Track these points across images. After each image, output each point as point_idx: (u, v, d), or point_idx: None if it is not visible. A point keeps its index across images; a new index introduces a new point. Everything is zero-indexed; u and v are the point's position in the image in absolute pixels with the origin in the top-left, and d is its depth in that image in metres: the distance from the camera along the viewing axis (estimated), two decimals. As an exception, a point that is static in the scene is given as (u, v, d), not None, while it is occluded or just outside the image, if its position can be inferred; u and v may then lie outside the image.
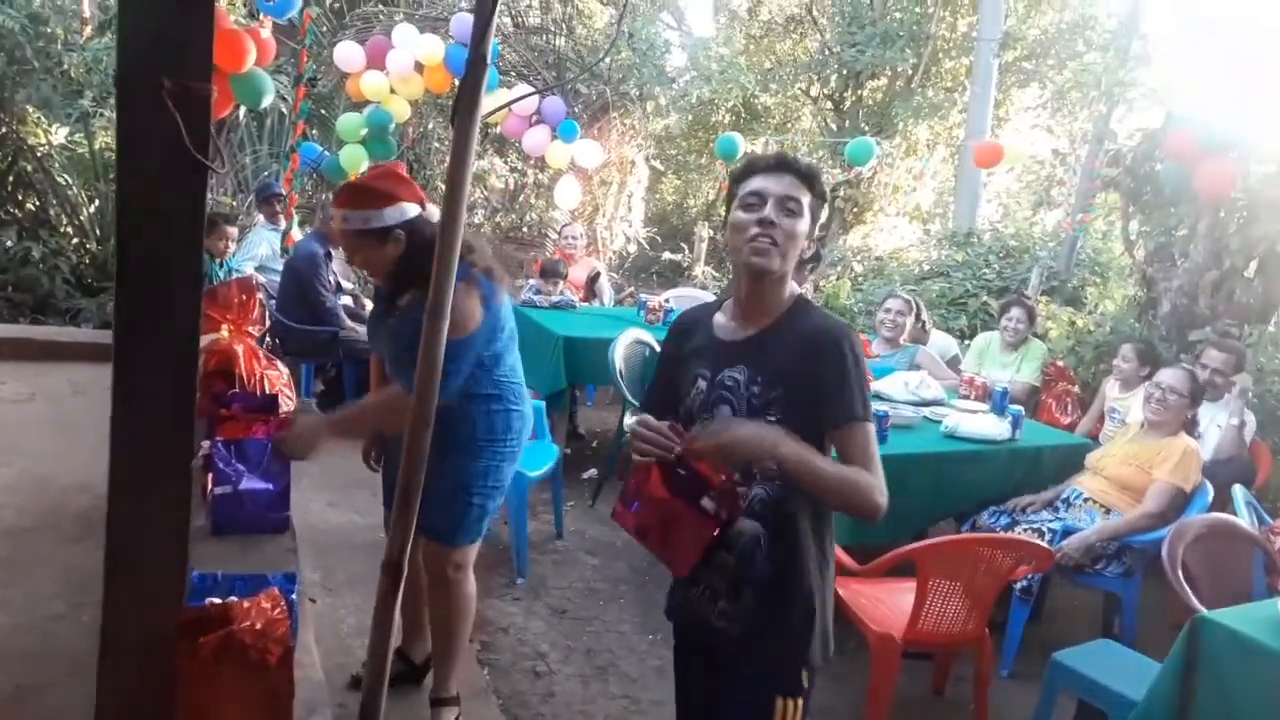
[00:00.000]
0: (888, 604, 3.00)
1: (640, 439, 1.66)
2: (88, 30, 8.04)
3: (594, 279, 6.82)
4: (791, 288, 1.78)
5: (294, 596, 1.90)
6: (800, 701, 1.78)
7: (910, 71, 12.25)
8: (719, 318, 1.86)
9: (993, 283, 7.65)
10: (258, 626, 1.68)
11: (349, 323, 5.57)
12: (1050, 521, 3.60)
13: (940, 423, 3.84)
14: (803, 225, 1.69)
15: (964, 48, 12.30)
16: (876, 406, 3.65)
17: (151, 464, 1.67)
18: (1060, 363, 5.24)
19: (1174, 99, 6.61)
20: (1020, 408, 4.02)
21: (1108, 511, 3.58)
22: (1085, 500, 3.65)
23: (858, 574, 3.03)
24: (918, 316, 5.20)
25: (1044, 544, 3.12)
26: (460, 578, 2.59)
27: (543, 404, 4.27)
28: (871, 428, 1.70)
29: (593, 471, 5.22)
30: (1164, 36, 7.51)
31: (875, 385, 4.32)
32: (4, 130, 7.73)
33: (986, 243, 8.85)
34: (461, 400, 2.45)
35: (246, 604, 1.70)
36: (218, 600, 1.73)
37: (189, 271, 1.65)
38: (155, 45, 1.57)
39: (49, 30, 7.64)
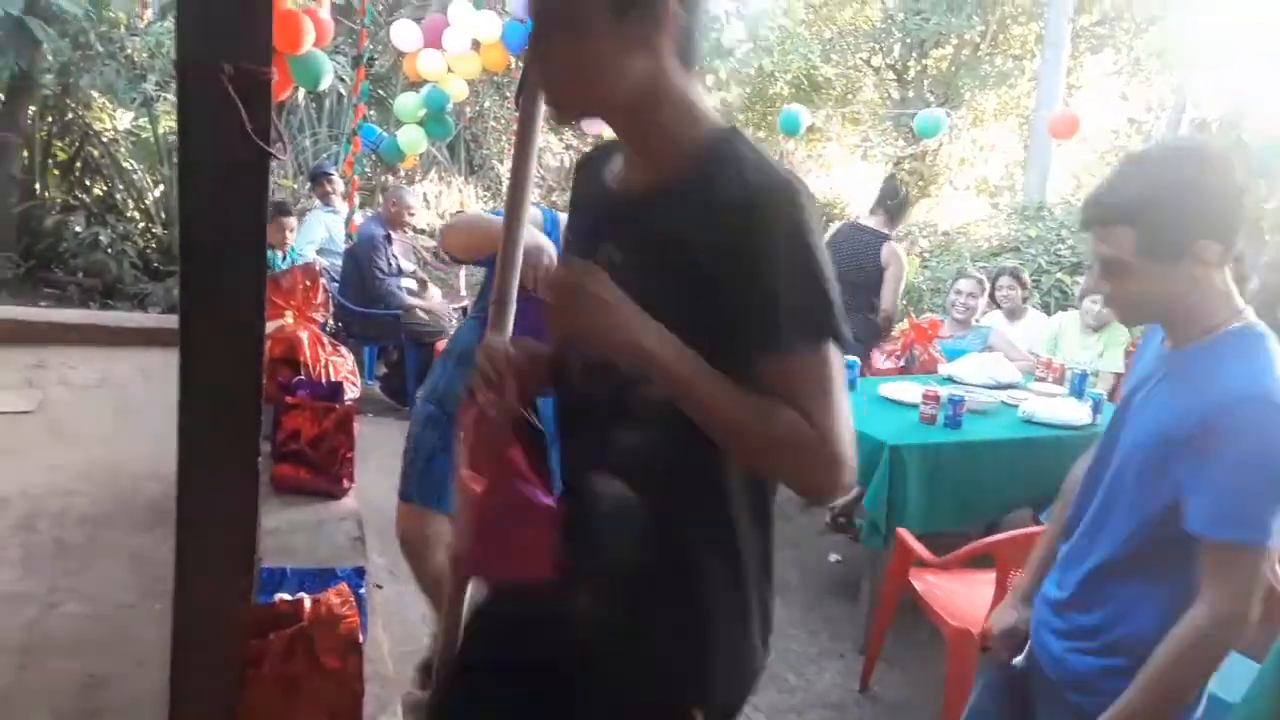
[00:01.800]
0: (965, 597, 2.89)
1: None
2: (148, 14, 8.14)
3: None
4: (709, 118, 1.17)
5: (362, 591, 1.88)
6: None
7: (977, 39, 11.89)
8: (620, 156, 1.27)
9: (1066, 258, 7.38)
10: (327, 623, 1.65)
11: (409, 301, 5.56)
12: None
13: (1017, 407, 3.69)
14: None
15: (1034, 13, 11.89)
16: (951, 391, 3.53)
17: (219, 455, 1.65)
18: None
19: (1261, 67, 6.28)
20: (1101, 392, 3.86)
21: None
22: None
23: (933, 565, 2.93)
24: (1023, 286, 5.03)
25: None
26: None
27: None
28: (830, 357, 1.07)
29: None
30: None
31: (948, 368, 4.18)
32: (70, 116, 7.89)
33: (1059, 217, 8.55)
34: None
35: (316, 600, 1.68)
36: (287, 596, 1.70)
37: (252, 257, 1.61)
38: (215, 30, 1.52)
39: (111, 15, 7.75)
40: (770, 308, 1.05)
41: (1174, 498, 1.39)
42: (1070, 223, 8.14)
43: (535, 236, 2.10)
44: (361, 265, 5.46)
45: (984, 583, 2.83)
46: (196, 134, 1.56)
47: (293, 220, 5.72)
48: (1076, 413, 3.61)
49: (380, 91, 9.28)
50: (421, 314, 5.60)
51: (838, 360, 1.08)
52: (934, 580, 2.96)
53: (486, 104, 10.42)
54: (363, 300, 5.44)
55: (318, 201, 6.58)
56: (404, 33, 6.81)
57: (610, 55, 1.09)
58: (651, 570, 1.19)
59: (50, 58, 7.27)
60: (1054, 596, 1.60)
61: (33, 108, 7.37)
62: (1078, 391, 3.85)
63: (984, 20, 11.36)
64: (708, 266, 1.06)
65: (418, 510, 2.45)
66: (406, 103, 6.97)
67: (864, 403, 3.69)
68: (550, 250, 2.05)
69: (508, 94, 10.21)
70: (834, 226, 5.38)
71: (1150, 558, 1.46)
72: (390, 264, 5.67)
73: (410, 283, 5.93)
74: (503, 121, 10.57)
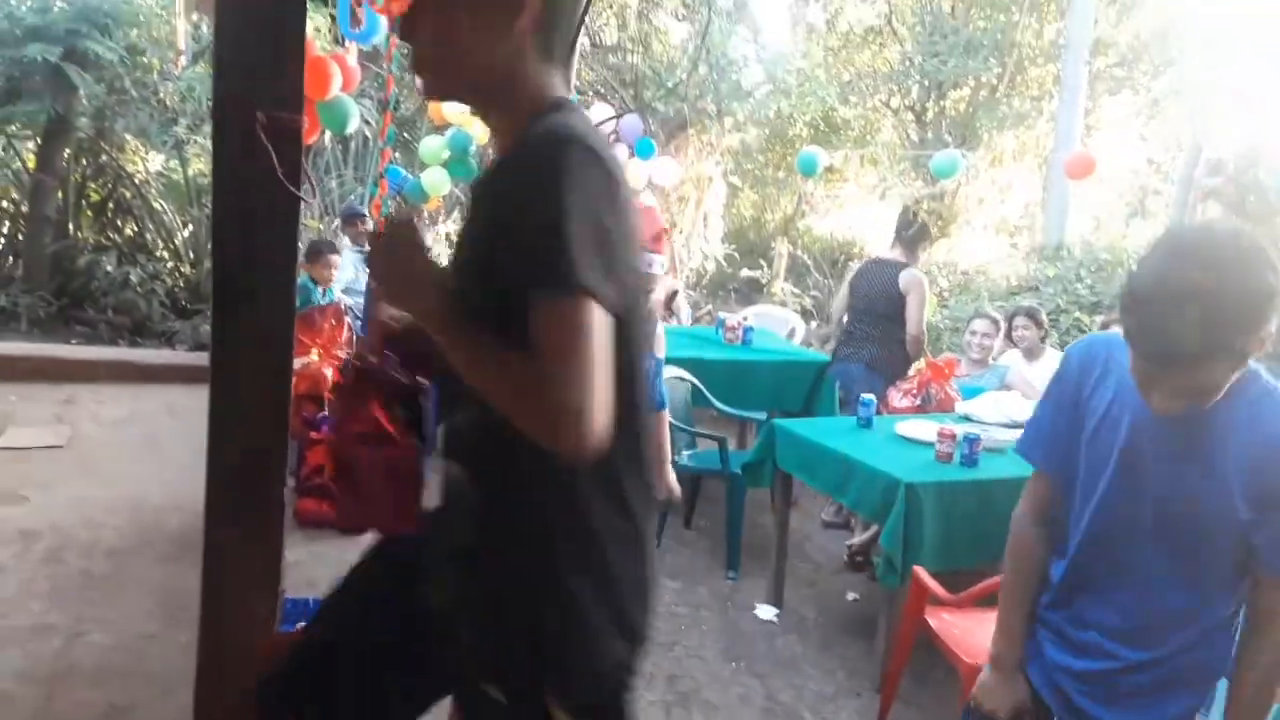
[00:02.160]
0: (981, 635, 2.88)
1: None
2: (182, 61, 8.37)
3: (671, 297, 6.80)
4: (547, 87, 1.22)
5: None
6: None
7: (995, 81, 11.99)
8: None
9: (1085, 298, 7.39)
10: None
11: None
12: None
13: (1034, 446, 3.69)
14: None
15: (1051, 55, 11.99)
16: (967, 429, 3.54)
17: (246, 488, 1.70)
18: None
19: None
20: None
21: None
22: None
23: (949, 603, 2.93)
24: (1039, 326, 5.02)
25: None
26: None
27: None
28: (585, 306, 1.07)
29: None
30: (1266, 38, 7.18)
31: (965, 406, 4.19)
32: (104, 159, 8.09)
33: (1078, 256, 8.58)
34: None
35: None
36: (307, 626, 1.74)
37: (283, 297, 1.68)
38: (249, 79, 1.61)
39: (145, 61, 7.98)
40: (526, 258, 1.07)
41: (1243, 540, 1.46)
42: (1089, 262, 8.16)
43: None
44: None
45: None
46: (230, 179, 1.64)
47: (337, 258, 5.86)
48: (1093, 452, 3.61)
49: (405, 135, 9.45)
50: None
51: (589, 315, 1.07)
52: (950, 619, 2.96)
53: (509, 145, 10.59)
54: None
55: (346, 241, 6.70)
56: (429, 77, 6.97)
57: (470, 38, 1.17)
58: (483, 551, 1.20)
59: (86, 102, 7.48)
60: (1099, 667, 1.60)
61: (68, 150, 7.57)
62: (1094, 430, 3.85)
63: (1001, 63, 11.47)
64: (500, 220, 1.12)
65: None
66: (431, 145, 7.11)
67: (880, 441, 3.71)
68: None
69: (530, 135, 10.37)
70: (855, 265, 5.44)
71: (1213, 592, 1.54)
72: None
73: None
74: (525, 162, 10.73)
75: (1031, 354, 5.14)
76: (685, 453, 4.58)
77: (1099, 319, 4.80)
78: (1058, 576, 1.67)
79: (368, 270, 1.19)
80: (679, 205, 10.31)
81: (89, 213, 8.08)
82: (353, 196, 8.68)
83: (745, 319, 5.93)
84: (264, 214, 1.63)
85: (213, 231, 1.69)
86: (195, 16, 8.58)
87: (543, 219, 1.06)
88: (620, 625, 1.23)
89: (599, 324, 1.08)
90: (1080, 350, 1.66)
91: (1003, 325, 5.01)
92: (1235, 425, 1.42)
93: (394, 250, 1.17)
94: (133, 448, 4.48)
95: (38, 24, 6.94)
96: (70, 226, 7.67)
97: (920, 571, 2.99)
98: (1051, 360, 5.16)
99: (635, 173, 7.20)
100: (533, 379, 1.07)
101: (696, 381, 4.67)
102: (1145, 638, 1.55)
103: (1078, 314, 7.07)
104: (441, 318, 1.14)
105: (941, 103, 12.65)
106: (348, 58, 4.98)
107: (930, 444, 3.52)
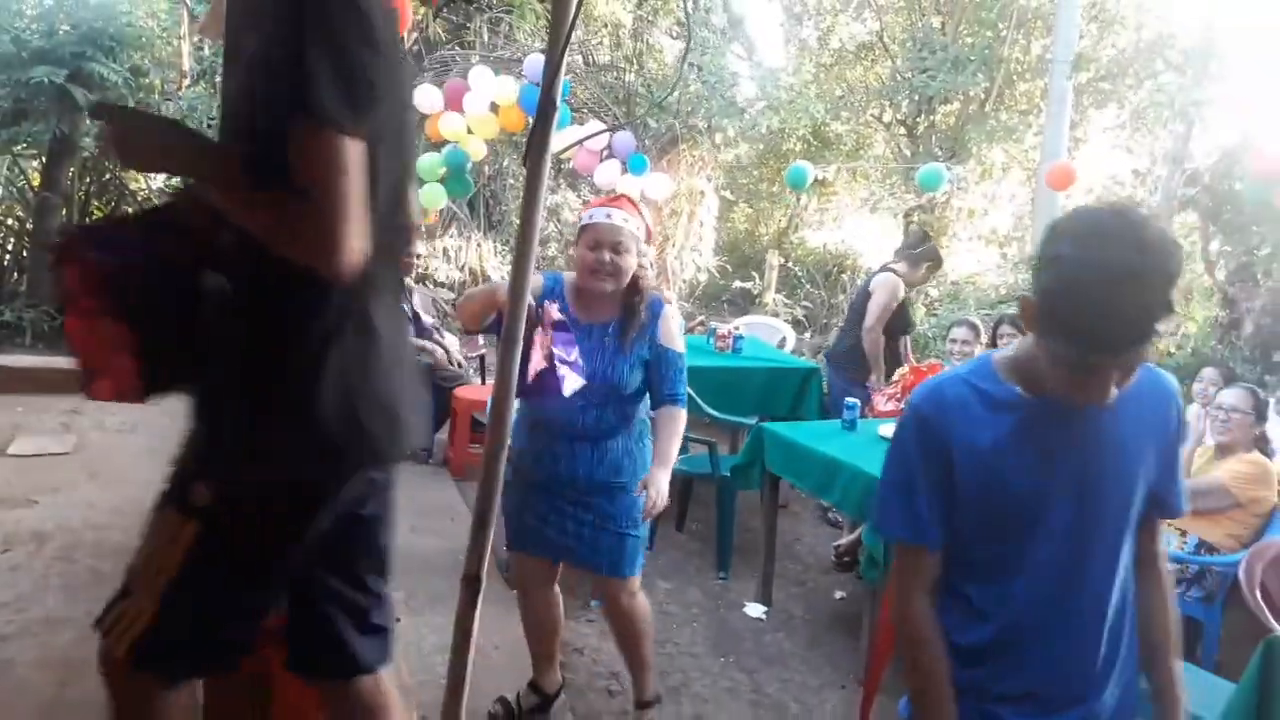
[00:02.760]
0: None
1: None
2: (185, 82, 8.52)
3: (665, 308, 6.93)
4: None
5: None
6: (190, 525, 1.42)
7: (983, 95, 12.17)
8: None
9: (1070, 306, 7.52)
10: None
11: (416, 342, 5.73)
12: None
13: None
14: None
15: (1038, 70, 12.17)
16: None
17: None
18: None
19: (1253, 116, 6.47)
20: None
21: (1184, 534, 3.52)
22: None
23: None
24: (1023, 333, 5.15)
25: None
26: (639, 601, 2.77)
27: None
28: (332, 138, 1.16)
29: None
30: (1240, 52, 7.35)
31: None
32: (107, 176, 8.23)
33: (1064, 266, 8.71)
34: (638, 434, 2.67)
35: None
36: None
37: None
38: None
39: (148, 81, 8.13)
40: (275, 92, 1.15)
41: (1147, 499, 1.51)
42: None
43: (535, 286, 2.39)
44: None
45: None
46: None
47: None
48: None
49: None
50: (447, 364, 5.78)
51: (337, 147, 1.16)
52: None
53: (504, 163, 10.75)
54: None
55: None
56: (426, 96, 7.13)
57: None
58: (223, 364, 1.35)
59: (90, 122, 7.63)
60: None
61: (72, 169, 7.71)
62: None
63: (989, 77, 11.64)
64: (260, 48, 1.20)
65: (515, 556, 2.79)
66: (428, 162, 7.26)
67: (864, 442, 3.83)
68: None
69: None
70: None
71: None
72: (407, 311, 5.91)
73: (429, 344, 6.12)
74: (519, 179, 10.88)
75: None
76: (679, 456, 4.70)
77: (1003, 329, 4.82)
78: (986, 640, 1.51)
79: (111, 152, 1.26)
80: (672, 219, 10.46)
81: (92, 230, 8.21)
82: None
83: (736, 328, 6.06)
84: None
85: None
86: (197, 39, 8.75)
87: (285, 53, 1.13)
88: (323, 439, 1.35)
89: (350, 154, 1.16)
90: (931, 401, 1.53)
91: (984, 332, 5.14)
92: (1131, 398, 1.42)
93: (133, 135, 1.25)
94: (136, 454, 4.60)
95: (44, 47, 7.08)
96: (74, 243, 7.79)
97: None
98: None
99: (628, 187, 7.34)
100: (292, 209, 1.15)
101: (688, 389, 4.79)
102: (1103, 667, 1.52)
103: (1063, 322, 7.20)
104: (189, 158, 1.23)
105: (931, 117, 12.82)
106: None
107: (910, 444, 3.63)
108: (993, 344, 5.46)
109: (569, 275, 2.66)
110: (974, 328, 5.06)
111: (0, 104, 7.27)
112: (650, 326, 2.61)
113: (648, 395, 2.70)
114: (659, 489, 2.44)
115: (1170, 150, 7.97)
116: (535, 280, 2.57)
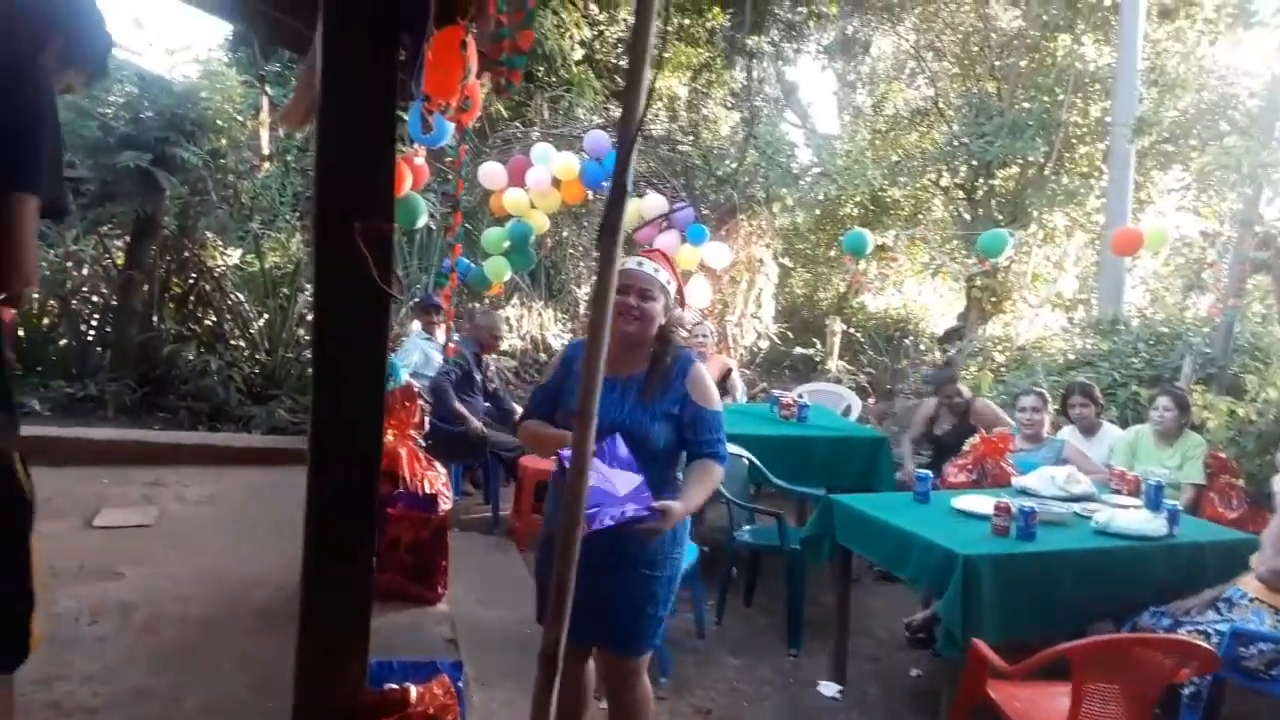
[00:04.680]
0: (1042, 707, 2.90)
1: None
2: (266, 166, 8.87)
3: (725, 375, 6.93)
4: None
5: (461, 685, 2.04)
6: None
7: (1042, 159, 12.11)
8: None
9: (1142, 371, 7.35)
10: (431, 711, 1.81)
11: (475, 425, 5.76)
12: (1217, 623, 3.41)
13: (1091, 519, 3.73)
14: None
15: (1098, 133, 12.10)
16: (1023, 503, 3.59)
17: (341, 559, 1.85)
18: (1221, 454, 4.98)
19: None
20: (1176, 503, 3.87)
21: (1278, 612, 3.37)
22: (1251, 600, 3.44)
23: (1008, 675, 2.95)
24: (1095, 403, 5.15)
25: (1209, 646, 2.97)
26: (642, 679, 2.68)
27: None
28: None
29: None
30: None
31: (1021, 480, 4.23)
32: (186, 254, 8.57)
33: (1134, 330, 8.53)
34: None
35: (421, 689, 1.84)
36: (394, 686, 1.87)
37: (375, 383, 1.86)
38: (348, 191, 1.81)
39: (225, 163, 8.50)
40: None
41: None
42: (1146, 336, 8.12)
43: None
44: (442, 387, 5.79)
45: (1060, 694, 2.85)
46: (329, 280, 1.84)
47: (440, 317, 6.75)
48: (1152, 524, 3.63)
49: (467, 225, 9.87)
50: (479, 435, 5.82)
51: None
52: (1011, 691, 2.98)
53: (565, 234, 10.94)
54: (445, 418, 5.74)
55: (415, 327, 7.00)
56: (490, 172, 7.34)
57: None
58: None
59: (170, 202, 7.98)
60: None
61: (154, 247, 8.04)
62: (1153, 503, 3.86)
63: (1048, 142, 11.60)
64: None
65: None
66: (493, 235, 7.45)
67: (937, 515, 3.77)
68: None
69: (585, 224, 10.72)
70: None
71: None
72: (480, 384, 6.01)
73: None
74: (579, 249, 11.06)
75: (1089, 430, 5.16)
76: (745, 529, 4.66)
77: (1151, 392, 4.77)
78: None
79: None
80: (731, 286, 10.52)
81: (172, 305, 8.52)
82: (418, 286, 9.06)
83: (800, 396, 6.03)
84: (359, 310, 1.82)
85: (314, 325, 1.88)
86: (272, 124, 9.16)
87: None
88: None
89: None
90: None
91: (1050, 400, 5.06)
92: None
93: None
94: (216, 526, 4.70)
95: (130, 133, 7.46)
96: (155, 318, 8.09)
97: (979, 644, 3.02)
98: (1108, 435, 5.17)
99: (687, 257, 7.43)
100: None
101: (754, 458, 4.77)
102: None
103: (1135, 387, 7.04)
104: None
105: (990, 182, 12.79)
106: (415, 158, 5.32)
107: (987, 517, 3.57)
108: (1063, 412, 5.37)
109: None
110: (1042, 396, 4.98)
111: (89, 187, 7.66)
112: (677, 382, 2.56)
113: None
114: (670, 517, 2.34)
115: (1239, 212, 7.82)
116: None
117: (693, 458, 2.59)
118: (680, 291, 2.70)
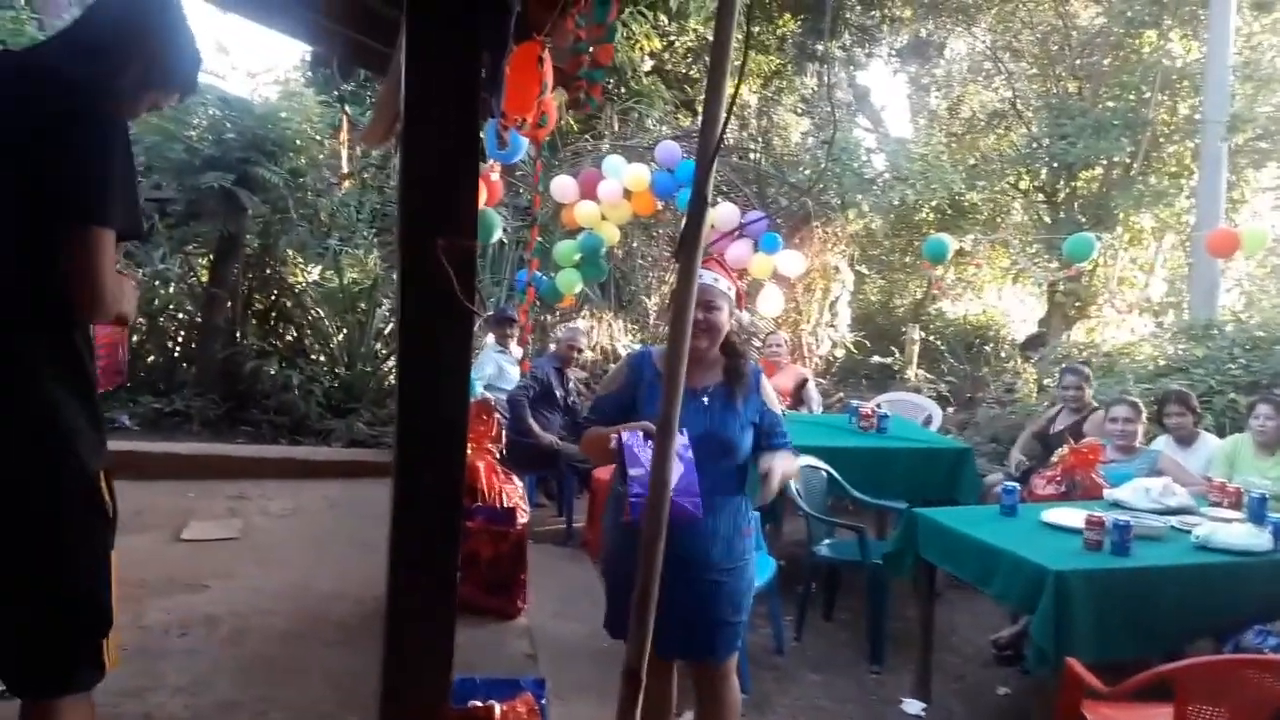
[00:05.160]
0: (1142, 730, 2.78)
1: None
2: (347, 184, 9.09)
3: (801, 386, 6.84)
4: None
5: (544, 702, 2.02)
6: None
7: (1128, 159, 11.72)
8: None
9: (1240, 378, 7.02)
10: (516, 729, 1.80)
11: (547, 439, 5.81)
12: (1330, 643, 3.23)
13: (1190, 532, 3.56)
14: None
15: (1187, 131, 11.67)
16: (1116, 516, 3.45)
17: (425, 573, 1.85)
18: (1328, 464, 4.72)
19: None
20: (1281, 515, 3.68)
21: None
22: (1365, 619, 3.24)
23: (1106, 696, 2.83)
24: (1193, 412, 4.96)
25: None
26: (731, 682, 2.68)
27: (757, 515, 4.25)
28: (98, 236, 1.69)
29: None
30: None
31: (1114, 493, 4.07)
32: (268, 271, 8.81)
33: (1229, 334, 8.17)
34: (746, 510, 2.63)
35: (504, 707, 1.83)
36: (479, 703, 1.87)
37: (459, 397, 1.86)
38: (432, 209, 1.82)
39: (305, 181, 8.71)
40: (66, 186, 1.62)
41: None
42: (1242, 340, 7.78)
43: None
44: (516, 400, 5.84)
45: (1163, 715, 2.72)
46: (414, 296, 1.85)
47: (515, 330, 6.82)
48: (1254, 538, 3.45)
49: (539, 239, 9.95)
50: (550, 449, 5.84)
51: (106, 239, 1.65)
52: (1108, 713, 2.85)
53: (635, 244, 10.95)
54: (520, 431, 5.78)
55: (490, 340, 7.08)
56: (562, 186, 7.38)
57: None
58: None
59: (253, 221, 8.21)
60: None
61: (237, 265, 8.28)
62: (1256, 515, 3.68)
63: (1134, 141, 11.22)
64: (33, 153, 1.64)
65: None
66: (565, 248, 7.49)
67: (1025, 529, 3.64)
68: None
69: (654, 234, 10.71)
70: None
71: None
72: (560, 399, 6.05)
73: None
74: (649, 259, 11.05)
75: (1185, 440, 4.95)
76: (824, 543, 4.58)
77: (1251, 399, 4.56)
78: None
79: None
80: (805, 295, 10.40)
81: (254, 321, 8.76)
82: (491, 300, 9.15)
83: (879, 406, 5.91)
84: (442, 326, 1.82)
85: (399, 340, 1.89)
86: (350, 143, 9.35)
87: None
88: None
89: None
90: None
91: (1144, 410, 4.86)
92: None
93: None
94: (298, 539, 4.80)
95: (214, 155, 7.70)
96: (238, 334, 8.32)
97: (1073, 663, 2.90)
98: (1206, 445, 4.95)
99: (761, 266, 7.36)
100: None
101: (832, 471, 4.69)
102: None
103: (1233, 395, 6.74)
104: None
105: (1073, 184, 12.42)
106: (492, 175, 5.37)
107: (1078, 531, 3.44)
108: (1158, 421, 5.16)
109: (657, 348, 2.68)
110: (1135, 406, 4.78)
111: (175, 207, 7.92)
112: (755, 391, 2.64)
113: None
114: (780, 473, 2.41)
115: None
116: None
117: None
118: (740, 294, 2.71)
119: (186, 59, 1.96)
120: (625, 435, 2.25)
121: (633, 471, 2.11)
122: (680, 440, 2.31)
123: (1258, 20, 11.39)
